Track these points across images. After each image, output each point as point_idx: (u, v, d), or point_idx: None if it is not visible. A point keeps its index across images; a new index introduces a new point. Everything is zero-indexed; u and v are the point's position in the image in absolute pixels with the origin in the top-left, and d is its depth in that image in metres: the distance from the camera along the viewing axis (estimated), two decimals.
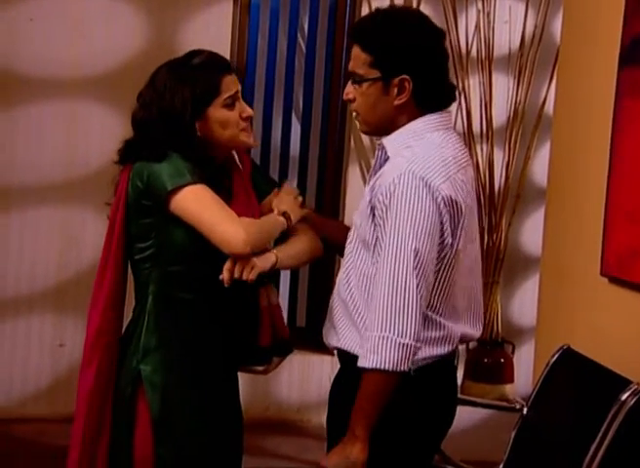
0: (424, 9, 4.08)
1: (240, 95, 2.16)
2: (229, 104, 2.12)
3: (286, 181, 2.32)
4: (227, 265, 2.05)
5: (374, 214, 1.96)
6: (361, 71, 2.00)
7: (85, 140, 3.97)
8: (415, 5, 4.00)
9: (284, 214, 2.15)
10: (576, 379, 2.45)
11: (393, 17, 2.04)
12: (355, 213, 2.07)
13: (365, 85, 1.99)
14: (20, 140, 3.96)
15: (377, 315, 1.91)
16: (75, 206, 3.97)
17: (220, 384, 2.18)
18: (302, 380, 4.21)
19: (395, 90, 1.98)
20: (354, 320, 2.01)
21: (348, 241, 2.06)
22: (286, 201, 2.18)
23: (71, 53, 3.95)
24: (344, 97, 2.04)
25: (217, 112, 2.11)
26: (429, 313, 1.96)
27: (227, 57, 4.01)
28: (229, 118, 2.12)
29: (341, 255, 2.11)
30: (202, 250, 2.07)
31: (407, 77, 1.97)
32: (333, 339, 2.07)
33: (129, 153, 2.13)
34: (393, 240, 1.90)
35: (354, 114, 2.06)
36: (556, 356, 2.50)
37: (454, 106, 3.96)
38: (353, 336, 2.01)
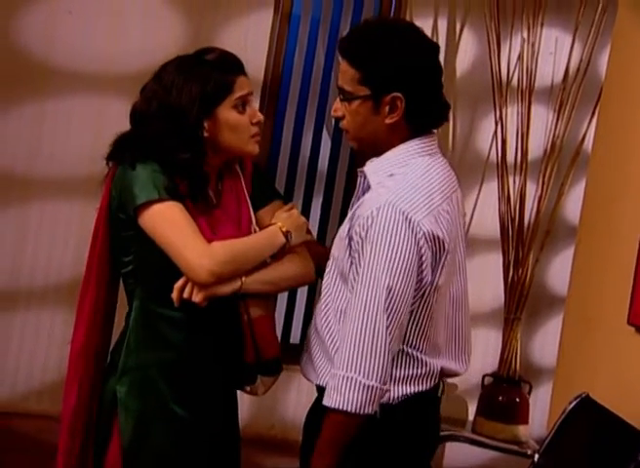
0: (467, 34, 4.03)
1: (252, 98, 2.05)
2: (240, 106, 2.01)
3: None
4: (178, 284, 1.95)
5: (351, 246, 1.86)
6: (350, 88, 1.88)
7: (112, 138, 3.92)
8: (458, 30, 3.94)
9: (286, 234, 2.03)
10: (593, 431, 2.37)
11: (383, 29, 1.90)
12: (334, 243, 1.96)
13: (354, 103, 1.88)
14: (47, 132, 3.93)
15: (343, 353, 1.81)
16: (96, 202, 3.90)
17: (208, 408, 2.06)
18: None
19: (386, 108, 1.86)
20: (331, 357, 1.90)
21: (326, 271, 1.96)
22: (294, 221, 2.06)
23: (107, 48, 3.92)
24: (333, 113, 1.93)
25: (226, 113, 2.00)
26: (408, 349, 1.88)
27: (263, 66, 4.04)
28: (239, 122, 2.01)
29: None
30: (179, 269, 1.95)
31: (399, 95, 1.85)
32: (312, 375, 1.98)
33: (117, 149, 2.02)
34: (366, 276, 1.80)
35: (344, 132, 1.95)
36: (574, 403, 2.43)
37: (489, 135, 3.95)
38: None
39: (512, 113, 3.83)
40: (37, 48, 3.87)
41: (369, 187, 1.90)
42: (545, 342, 4.12)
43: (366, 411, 1.80)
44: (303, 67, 4.25)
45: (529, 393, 3.73)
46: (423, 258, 1.81)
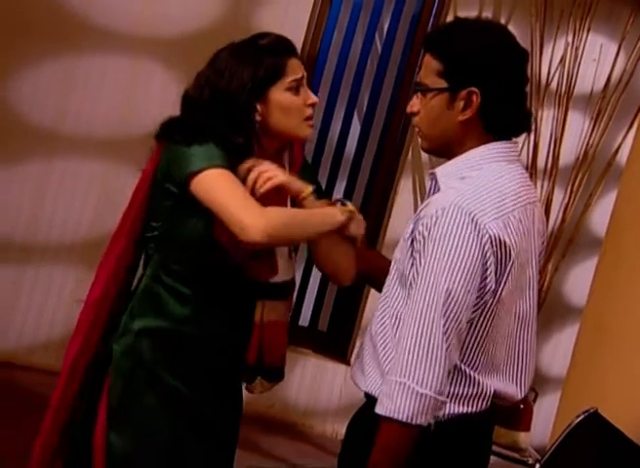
0: (511, 30, 3.95)
1: (306, 81, 2.03)
2: (294, 88, 2.00)
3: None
4: (251, 175, 1.94)
5: (413, 247, 1.78)
6: (428, 81, 1.83)
7: (143, 102, 3.89)
8: None
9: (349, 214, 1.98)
10: (599, 448, 2.33)
11: (471, 25, 1.85)
12: (397, 246, 1.89)
13: (429, 95, 1.82)
14: (78, 89, 3.90)
15: (397, 358, 1.73)
16: (119, 165, 3.89)
17: (202, 383, 2.03)
18: (313, 385, 4.11)
19: (461, 103, 1.79)
20: (381, 363, 1.83)
21: (388, 277, 1.88)
22: (353, 213, 2.00)
23: (145, 11, 3.88)
24: (408, 108, 1.88)
25: (279, 95, 1.99)
26: (462, 366, 1.78)
27: (300, 44, 3.98)
28: (292, 103, 1.99)
29: (378, 290, 1.94)
30: (203, 248, 1.97)
31: (476, 90, 1.78)
32: (360, 381, 1.90)
33: (167, 130, 2.00)
34: (425, 277, 1.71)
35: (417, 130, 1.90)
36: (581, 417, 2.39)
37: (521, 137, 3.88)
38: (379, 381, 1.83)
39: (548, 117, 3.77)
40: (77, 2, 3.84)
41: (438, 190, 1.84)
42: (556, 351, 4.07)
43: (418, 421, 1.70)
44: (340, 50, 4.20)
45: (534, 400, 3.69)
46: (488, 264, 1.72)
